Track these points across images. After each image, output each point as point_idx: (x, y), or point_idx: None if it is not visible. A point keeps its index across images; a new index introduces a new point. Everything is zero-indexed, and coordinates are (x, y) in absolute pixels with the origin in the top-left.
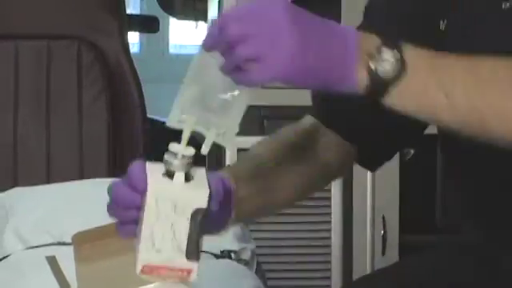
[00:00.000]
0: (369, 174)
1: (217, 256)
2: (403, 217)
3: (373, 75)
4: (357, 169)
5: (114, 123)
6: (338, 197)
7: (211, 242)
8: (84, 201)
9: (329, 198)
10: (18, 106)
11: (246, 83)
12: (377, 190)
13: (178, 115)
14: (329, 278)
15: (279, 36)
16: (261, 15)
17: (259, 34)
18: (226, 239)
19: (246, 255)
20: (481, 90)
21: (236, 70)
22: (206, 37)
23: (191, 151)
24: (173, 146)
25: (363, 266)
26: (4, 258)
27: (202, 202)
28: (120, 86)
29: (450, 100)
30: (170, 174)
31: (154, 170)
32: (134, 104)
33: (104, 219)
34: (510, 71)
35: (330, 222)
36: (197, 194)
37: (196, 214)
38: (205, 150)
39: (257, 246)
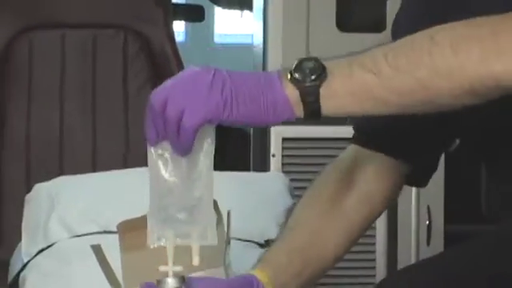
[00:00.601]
0: None
1: (261, 245)
2: (448, 207)
3: (299, 85)
4: None
5: None
6: None
7: (255, 232)
8: (129, 190)
9: None
10: (64, 96)
11: (183, 135)
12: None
13: (156, 234)
14: (373, 268)
15: (192, 81)
16: (177, 80)
17: (175, 90)
18: (270, 228)
19: None
20: (405, 58)
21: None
22: (147, 134)
23: (179, 269)
24: (162, 267)
25: (408, 256)
26: (49, 246)
27: None
28: (165, 75)
29: (379, 77)
30: None
31: None
32: None
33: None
34: (424, 37)
35: None
36: None
37: None
38: (196, 260)
39: None
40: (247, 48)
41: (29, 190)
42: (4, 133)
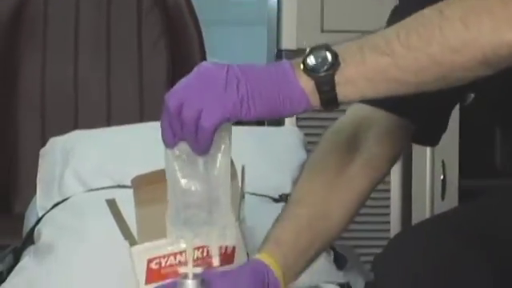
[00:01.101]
0: None
1: (276, 200)
2: (463, 161)
3: (313, 75)
4: None
5: (174, 67)
6: None
7: (269, 186)
8: (144, 144)
9: None
10: (79, 50)
11: (201, 136)
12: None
13: (175, 235)
14: (388, 222)
15: (207, 83)
16: (191, 80)
17: (192, 93)
18: (284, 183)
19: None
20: (417, 35)
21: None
22: (164, 136)
23: (199, 270)
24: (181, 268)
25: (422, 211)
26: (64, 200)
27: None
28: (179, 29)
29: (393, 57)
30: None
31: None
32: (193, 47)
33: (164, 162)
34: (434, 12)
35: None
36: None
37: None
38: (216, 260)
39: None
40: (261, 2)
41: (43, 143)
42: (19, 87)
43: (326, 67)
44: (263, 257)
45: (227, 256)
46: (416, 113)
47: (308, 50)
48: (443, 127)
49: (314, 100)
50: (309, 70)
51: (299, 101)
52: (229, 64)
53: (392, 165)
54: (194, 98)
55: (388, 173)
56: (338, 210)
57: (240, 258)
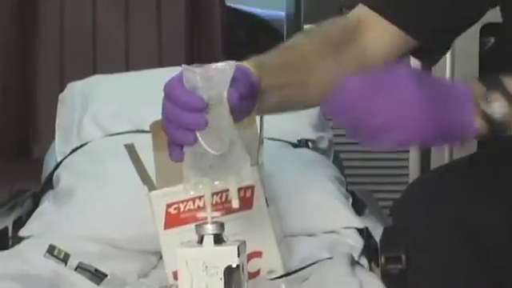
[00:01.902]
0: (448, 63)
1: (294, 145)
2: None
3: (491, 121)
4: None
5: (193, 10)
6: None
7: (288, 131)
8: (162, 89)
9: None
10: None
11: (372, 147)
12: (456, 79)
13: (192, 181)
14: (407, 167)
15: (406, 107)
16: (386, 87)
17: (387, 107)
18: (303, 128)
19: (324, 144)
20: None
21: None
22: (331, 111)
23: (218, 214)
24: (200, 213)
25: (441, 156)
26: (83, 145)
27: (233, 259)
28: None
29: None
30: (200, 239)
31: None
32: None
33: None
34: None
35: None
36: (226, 251)
37: (228, 271)
38: (235, 203)
39: (334, 135)
40: None
41: (62, 89)
42: (38, 32)
43: (503, 116)
44: (245, 63)
45: (246, 200)
46: (420, 32)
47: (485, 88)
48: (445, 51)
49: (483, 130)
50: (487, 115)
51: (466, 137)
52: (416, 74)
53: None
54: (389, 117)
55: None
56: (320, 76)
57: (258, 203)
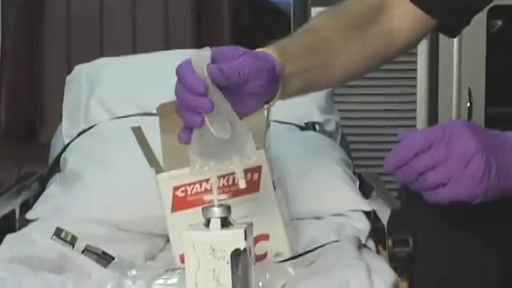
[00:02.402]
0: (455, 46)
1: (301, 127)
2: (489, 89)
3: None
4: (443, 40)
5: None
6: (424, 69)
7: (295, 114)
8: (169, 72)
9: (414, 70)
10: None
11: (430, 200)
12: (463, 62)
13: (198, 164)
14: None
15: (467, 162)
16: (447, 141)
17: (448, 162)
18: (310, 111)
19: (331, 127)
20: None
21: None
22: (395, 165)
23: (224, 197)
24: (207, 196)
25: None
26: (90, 128)
27: (240, 243)
28: None
29: None
30: (207, 222)
31: None
32: None
33: None
34: None
35: (415, 94)
36: (233, 235)
37: (235, 255)
38: (242, 183)
39: (341, 118)
40: None
41: (69, 71)
42: (45, 15)
43: None
44: (266, 49)
45: (253, 183)
46: (440, 12)
47: None
48: (464, 27)
49: None
50: None
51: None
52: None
53: (408, 46)
54: (450, 172)
55: (401, 52)
56: (342, 57)
57: (265, 186)
